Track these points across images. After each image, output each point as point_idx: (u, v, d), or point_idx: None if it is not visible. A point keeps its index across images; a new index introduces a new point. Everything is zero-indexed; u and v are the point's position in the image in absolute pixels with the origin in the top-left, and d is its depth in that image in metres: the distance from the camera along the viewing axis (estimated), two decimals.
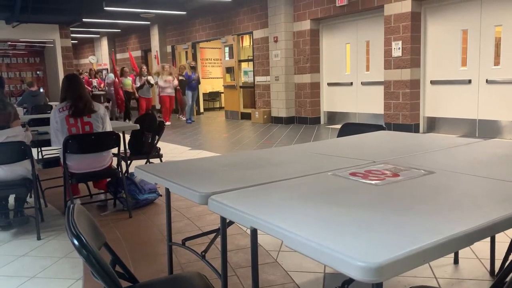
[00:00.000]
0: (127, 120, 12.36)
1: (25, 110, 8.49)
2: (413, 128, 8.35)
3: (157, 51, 15.65)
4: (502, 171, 1.84)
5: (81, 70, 17.95)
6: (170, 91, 11.86)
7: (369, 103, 9.50)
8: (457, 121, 7.98)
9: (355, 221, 1.24)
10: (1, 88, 4.80)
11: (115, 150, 4.02)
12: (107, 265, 1.22)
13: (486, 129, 7.55)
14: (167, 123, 11.57)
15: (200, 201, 1.57)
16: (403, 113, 8.45)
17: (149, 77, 12.21)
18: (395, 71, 8.45)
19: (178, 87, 12.23)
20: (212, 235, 2.49)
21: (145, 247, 3.27)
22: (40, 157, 5.53)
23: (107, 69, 18.42)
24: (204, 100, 15.50)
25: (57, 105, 4.04)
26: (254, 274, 1.58)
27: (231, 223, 2.36)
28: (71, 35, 13.06)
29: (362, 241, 1.08)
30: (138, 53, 17.63)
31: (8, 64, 13.20)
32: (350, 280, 1.70)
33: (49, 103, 9.31)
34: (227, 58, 13.25)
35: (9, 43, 12.80)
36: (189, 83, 12.20)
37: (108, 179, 4.31)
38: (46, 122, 5.15)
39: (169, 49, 15.84)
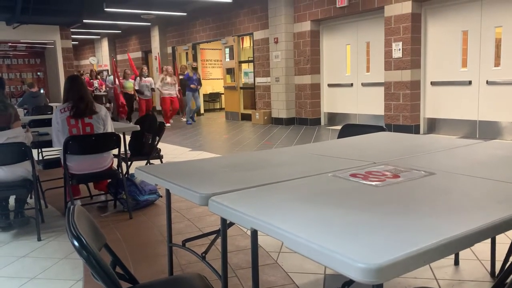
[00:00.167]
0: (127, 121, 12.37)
1: (25, 111, 8.50)
2: (414, 129, 8.35)
3: (158, 53, 15.65)
4: (502, 172, 1.84)
5: (82, 71, 17.95)
6: (171, 92, 11.84)
7: (369, 104, 9.50)
8: (457, 122, 7.98)
9: (356, 222, 1.24)
10: (2, 89, 4.80)
11: (115, 151, 4.02)
12: (107, 266, 1.22)
13: (487, 130, 7.55)
14: (167, 124, 11.56)
15: (200, 202, 1.57)
16: (403, 114, 8.45)
17: (150, 79, 12.23)
18: (395, 72, 8.45)
19: (179, 88, 12.22)
20: (212, 236, 2.49)
21: (146, 248, 3.27)
22: (40, 158, 5.54)
23: (107, 70, 18.44)
24: (204, 101, 15.50)
25: (58, 106, 4.05)
26: (255, 275, 1.58)
27: (231, 224, 2.36)
28: (72, 36, 13.07)
29: (363, 242, 1.08)
30: (138, 54, 17.65)
31: (9, 65, 13.21)
32: (350, 282, 1.70)
33: (49, 104, 9.32)
34: (227, 59, 13.25)
35: (10, 44, 12.81)
36: (189, 84, 12.17)
37: (109, 180, 4.31)
38: (46, 123, 5.15)
39: (169, 50, 15.85)
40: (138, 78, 12.04)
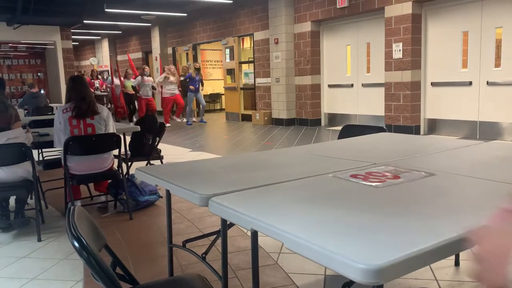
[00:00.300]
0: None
1: (26, 111, 8.51)
2: (414, 130, 8.35)
3: (158, 54, 15.65)
4: (502, 173, 1.84)
5: (83, 72, 17.95)
6: (173, 92, 11.80)
7: (369, 105, 9.50)
8: (457, 123, 7.98)
9: (356, 223, 1.24)
10: (2, 90, 4.81)
11: (115, 152, 4.03)
12: (107, 267, 1.22)
13: (487, 131, 7.55)
14: (167, 125, 11.56)
15: (200, 203, 1.57)
16: (403, 115, 8.45)
17: (151, 78, 12.22)
18: (395, 73, 8.45)
19: (180, 89, 12.21)
20: (212, 237, 2.49)
21: (146, 249, 3.27)
22: (41, 158, 5.54)
23: (107, 71, 18.44)
24: (204, 101, 15.51)
25: (60, 106, 4.05)
26: (255, 276, 1.58)
27: (231, 225, 2.36)
28: (72, 36, 13.08)
29: (363, 243, 1.08)
30: (139, 55, 17.66)
31: (9, 65, 13.23)
32: (350, 282, 1.69)
33: (49, 104, 9.33)
34: (227, 60, 13.26)
35: (10, 44, 12.83)
36: (191, 85, 12.12)
37: (109, 181, 4.31)
38: (47, 123, 5.16)
39: (169, 50, 15.86)
40: (140, 77, 12.01)
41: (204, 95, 15.25)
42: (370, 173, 1.82)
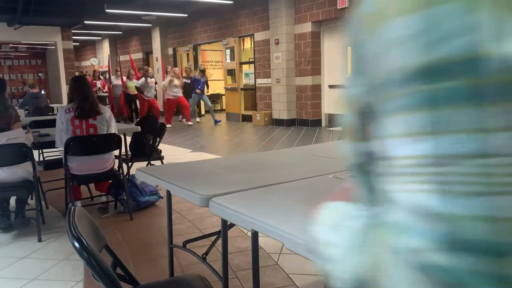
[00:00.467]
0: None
1: (26, 112, 8.51)
2: None
3: (160, 54, 15.66)
4: None
5: (85, 72, 17.95)
6: (177, 94, 11.76)
7: None
8: None
9: None
10: (3, 91, 4.81)
11: (116, 152, 4.03)
12: (108, 267, 1.22)
13: None
14: (168, 125, 11.54)
15: (201, 204, 1.57)
16: None
17: (154, 80, 12.20)
18: None
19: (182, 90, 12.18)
20: (213, 238, 2.49)
21: (146, 249, 3.27)
22: (41, 159, 5.54)
23: (107, 71, 18.44)
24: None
25: (63, 106, 4.06)
26: (255, 277, 1.58)
27: (232, 225, 2.36)
28: (73, 37, 13.09)
29: None
30: (139, 55, 17.66)
31: (10, 66, 13.24)
32: None
33: (50, 105, 9.33)
34: (228, 60, 13.26)
35: (11, 45, 12.84)
36: (196, 88, 12.07)
37: (110, 181, 4.31)
38: (47, 124, 5.16)
39: (170, 51, 15.87)
40: (143, 79, 11.94)
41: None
42: None
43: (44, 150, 5.65)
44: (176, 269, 2.76)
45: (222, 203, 1.46)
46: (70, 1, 10.16)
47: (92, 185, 4.52)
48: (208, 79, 14.99)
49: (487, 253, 0.29)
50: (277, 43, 10.90)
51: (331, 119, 10.69)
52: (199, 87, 12.07)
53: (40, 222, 3.62)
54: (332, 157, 2.31)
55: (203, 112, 15.00)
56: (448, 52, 0.30)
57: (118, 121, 12.36)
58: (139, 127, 4.66)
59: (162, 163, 4.93)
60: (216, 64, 16.22)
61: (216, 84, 16.04)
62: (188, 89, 12.21)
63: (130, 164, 4.65)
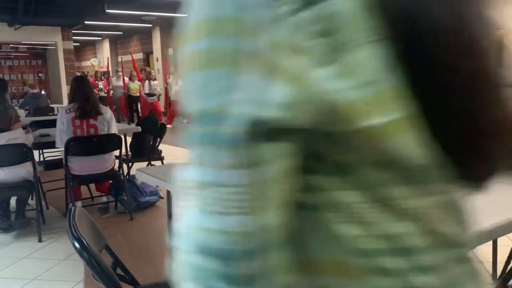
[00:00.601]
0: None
1: (26, 112, 8.51)
2: None
3: (162, 56, 15.65)
4: None
5: (86, 72, 17.95)
6: None
7: None
8: None
9: None
10: (4, 91, 4.82)
11: (116, 152, 4.03)
12: (108, 267, 1.22)
13: None
14: (169, 126, 11.52)
15: None
16: None
17: (156, 82, 12.17)
18: None
19: None
20: None
21: (146, 250, 3.27)
22: (41, 159, 5.54)
23: (106, 71, 18.45)
24: None
25: (63, 106, 4.06)
26: None
27: None
28: (73, 37, 13.09)
29: None
30: (140, 56, 17.66)
31: (10, 66, 13.25)
32: None
33: (50, 105, 9.34)
34: None
35: (11, 45, 12.85)
36: None
37: (110, 182, 4.31)
38: (47, 124, 5.16)
39: (171, 51, 15.87)
40: (147, 81, 11.89)
41: None
42: None
43: (44, 150, 5.65)
44: None
45: None
46: (70, 1, 10.16)
47: (92, 186, 4.52)
48: None
49: (223, 258, 0.41)
50: None
51: None
52: None
53: (40, 222, 3.62)
54: None
55: None
56: (209, 105, 0.41)
57: (118, 121, 12.40)
58: (139, 127, 4.66)
59: (162, 163, 4.93)
60: None
61: None
62: None
63: (130, 164, 4.65)
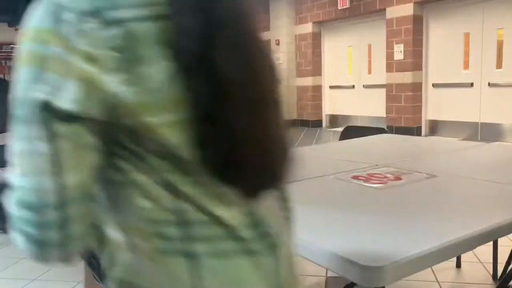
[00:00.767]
0: None
1: None
2: (415, 131, 8.34)
3: None
4: (504, 174, 1.83)
5: None
6: None
7: (371, 106, 9.49)
8: (459, 124, 7.97)
9: (357, 224, 1.24)
10: (7, 93, 4.83)
11: None
12: None
13: (488, 132, 7.54)
14: None
15: None
16: (405, 116, 8.44)
17: None
18: (397, 74, 8.45)
19: None
20: None
21: None
22: None
23: None
24: None
25: None
26: None
27: None
28: None
29: (364, 244, 1.08)
30: None
31: (11, 66, 13.25)
32: (352, 284, 1.69)
33: None
34: None
35: (12, 45, 12.85)
36: None
37: None
38: None
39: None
40: None
41: None
42: (372, 174, 1.81)
43: None
44: None
45: None
46: None
47: None
48: None
49: (32, 209, 0.55)
50: (278, 44, 10.90)
51: (332, 120, 10.69)
52: None
53: None
54: (333, 158, 2.31)
55: None
56: (20, 94, 0.56)
57: None
58: None
59: None
60: None
61: None
62: None
63: None
